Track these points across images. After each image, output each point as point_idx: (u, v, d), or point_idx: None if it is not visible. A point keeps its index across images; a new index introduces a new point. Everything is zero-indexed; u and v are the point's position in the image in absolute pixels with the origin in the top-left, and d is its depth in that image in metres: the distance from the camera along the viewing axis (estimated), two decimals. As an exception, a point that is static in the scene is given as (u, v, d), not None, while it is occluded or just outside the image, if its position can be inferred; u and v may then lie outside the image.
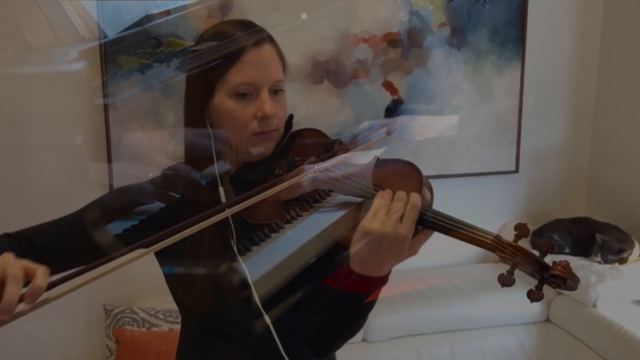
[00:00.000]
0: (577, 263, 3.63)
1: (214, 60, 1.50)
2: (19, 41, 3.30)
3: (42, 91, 3.37)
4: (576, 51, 4.12)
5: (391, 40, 3.74)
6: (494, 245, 1.33)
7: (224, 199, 1.50)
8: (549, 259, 1.34)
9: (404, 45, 3.77)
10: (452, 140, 3.93)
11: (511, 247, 1.34)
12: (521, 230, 1.38)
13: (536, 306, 3.63)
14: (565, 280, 1.32)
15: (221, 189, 1.51)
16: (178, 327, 3.13)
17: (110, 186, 3.46)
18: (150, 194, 1.61)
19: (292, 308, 1.48)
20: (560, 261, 1.34)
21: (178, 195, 1.58)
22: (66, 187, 3.46)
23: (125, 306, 3.36)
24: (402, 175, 1.45)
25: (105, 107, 3.40)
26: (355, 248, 1.34)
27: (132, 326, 3.24)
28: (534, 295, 1.32)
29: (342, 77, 3.72)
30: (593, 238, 3.67)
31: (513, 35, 3.91)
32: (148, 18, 3.37)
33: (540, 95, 4.09)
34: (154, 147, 3.47)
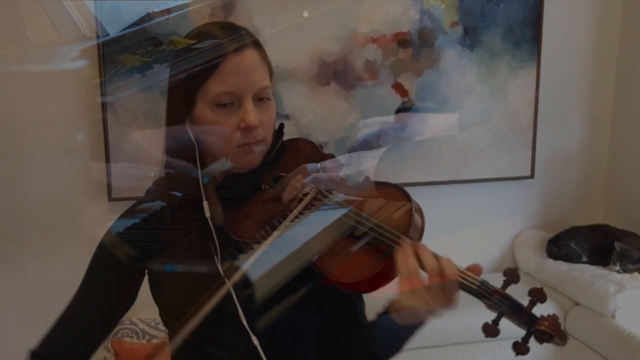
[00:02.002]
0: (595, 272, 3.62)
1: (193, 68, 1.47)
2: (19, 40, 3.30)
3: (39, 91, 3.37)
4: (594, 51, 4.11)
5: (401, 40, 3.74)
6: (479, 291, 1.30)
7: (207, 214, 1.49)
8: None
9: (415, 45, 3.76)
10: (465, 145, 3.92)
11: (498, 295, 1.30)
12: (510, 276, 1.33)
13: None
14: (551, 337, 1.28)
15: (205, 203, 1.50)
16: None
17: (109, 186, 3.46)
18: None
19: (281, 326, 1.47)
20: (549, 315, 1.30)
21: (161, 219, 1.57)
22: (64, 190, 3.47)
23: (124, 317, 3.35)
24: (392, 203, 1.42)
25: (104, 108, 3.40)
26: (397, 314, 1.35)
27: (132, 338, 3.23)
28: (520, 349, 1.31)
29: (350, 78, 3.71)
30: (612, 246, 3.65)
31: (528, 35, 3.90)
32: (148, 17, 3.37)
33: (557, 98, 4.08)
34: (154, 150, 3.47)
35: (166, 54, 3.38)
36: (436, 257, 1.32)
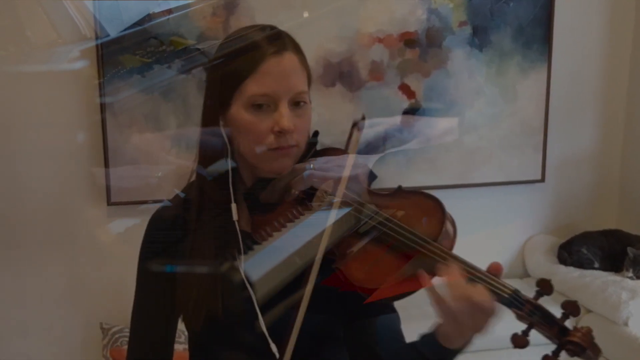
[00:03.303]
0: (607, 279, 3.62)
1: (232, 69, 1.49)
2: (18, 40, 3.31)
3: (37, 92, 3.39)
4: (607, 51, 4.11)
5: (408, 40, 3.74)
6: (510, 300, 1.30)
7: (235, 217, 1.51)
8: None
9: (422, 45, 3.76)
10: (474, 147, 3.92)
11: (530, 305, 1.30)
12: (544, 287, 1.32)
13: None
14: (584, 350, 1.27)
15: (233, 205, 1.52)
16: (179, 347, 3.12)
17: (108, 190, 3.47)
18: (170, 226, 1.63)
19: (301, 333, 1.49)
20: (582, 327, 1.29)
21: (188, 224, 1.59)
22: (62, 193, 3.47)
23: (123, 324, 3.35)
24: (425, 210, 1.44)
25: (103, 109, 3.41)
26: (442, 336, 1.36)
27: (131, 345, 3.23)
28: None
29: (356, 79, 3.71)
30: (624, 252, 3.65)
31: (539, 35, 3.90)
32: (149, 17, 3.38)
33: (568, 99, 4.07)
34: (154, 153, 3.48)
35: (167, 55, 3.40)
36: (472, 278, 1.32)
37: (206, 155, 1.59)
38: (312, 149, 1.61)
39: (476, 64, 3.85)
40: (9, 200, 3.42)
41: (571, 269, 3.79)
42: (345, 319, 1.57)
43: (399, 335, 1.57)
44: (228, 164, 1.54)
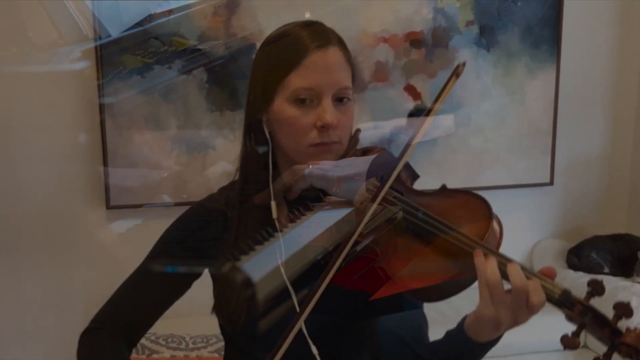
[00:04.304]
0: (617, 284, 3.60)
1: (276, 63, 1.51)
2: (19, 40, 3.31)
3: (35, 93, 3.39)
4: (617, 51, 4.10)
5: (414, 40, 3.73)
6: (561, 300, 1.30)
7: (275, 215, 1.50)
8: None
9: (428, 45, 3.76)
10: (481, 150, 3.91)
11: (580, 305, 1.30)
12: (595, 287, 1.33)
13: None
14: (638, 352, 1.26)
15: (273, 203, 1.52)
16: (180, 353, 3.12)
17: (107, 193, 3.47)
18: (208, 215, 1.64)
19: (342, 336, 1.52)
20: (636, 328, 1.29)
21: (227, 221, 1.60)
22: (60, 196, 3.47)
23: (123, 330, 3.34)
24: (470, 210, 1.45)
25: (102, 111, 3.40)
26: (473, 328, 1.39)
27: (131, 353, 3.23)
28: None
29: (360, 80, 3.70)
30: (635, 256, 3.65)
31: (547, 35, 3.89)
32: (149, 17, 3.38)
33: (577, 100, 4.06)
34: (154, 155, 3.47)
35: (167, 55, 3.40)
36: (526, 274, 1.33)
37: (249, 154, 1.59)
38: (354, 147, 1.61)
39: (483, 65, 3.84)
40: (7, 202, 3.42)
41: (580, 274, 3.78)
42: (349, 318, 1.57)
43: (420, 334, 1.57)
44: (269, 160, 1.54)
